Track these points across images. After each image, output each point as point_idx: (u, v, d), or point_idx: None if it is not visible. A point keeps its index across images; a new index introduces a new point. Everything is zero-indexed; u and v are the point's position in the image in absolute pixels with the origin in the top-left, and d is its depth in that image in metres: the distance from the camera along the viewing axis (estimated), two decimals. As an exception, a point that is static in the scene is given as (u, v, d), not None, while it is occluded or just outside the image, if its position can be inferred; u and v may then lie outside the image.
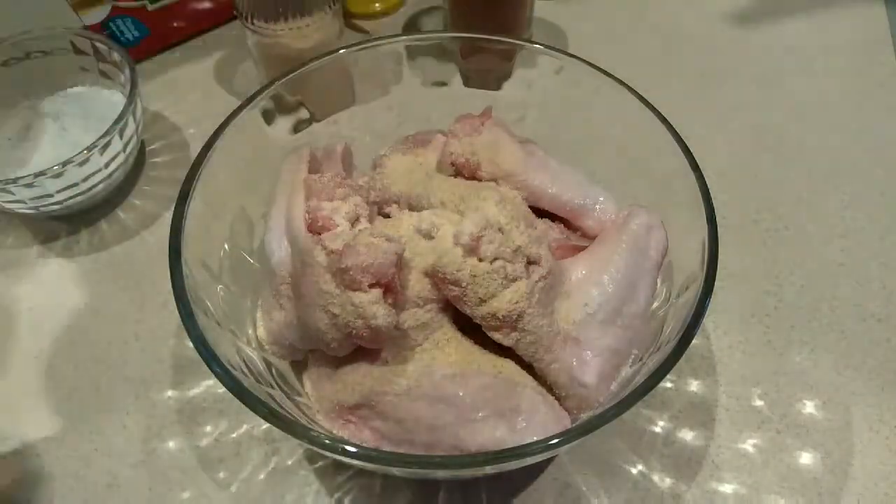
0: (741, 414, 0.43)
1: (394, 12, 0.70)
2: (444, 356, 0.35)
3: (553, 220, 0.42)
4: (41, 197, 0.47)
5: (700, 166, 0.37)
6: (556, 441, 0.29)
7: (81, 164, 0.47)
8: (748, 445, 0.41)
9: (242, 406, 0.30)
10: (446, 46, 0.48)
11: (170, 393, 0.44)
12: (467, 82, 0.48)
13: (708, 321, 0.47)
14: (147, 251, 0.51)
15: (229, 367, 0.31)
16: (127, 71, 0.51)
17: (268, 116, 0.43)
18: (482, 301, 0.34)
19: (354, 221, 0.38)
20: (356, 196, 0.40)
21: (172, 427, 0.42)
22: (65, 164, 0.46)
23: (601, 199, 0.41)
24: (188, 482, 0.40)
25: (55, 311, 0.48)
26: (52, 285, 0.49)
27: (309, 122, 0.46)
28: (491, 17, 0.58)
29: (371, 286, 0.33)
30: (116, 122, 0.48)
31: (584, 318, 0.36)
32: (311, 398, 0.37)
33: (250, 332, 0.39)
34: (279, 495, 0.40)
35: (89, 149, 0.46)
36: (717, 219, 0.35)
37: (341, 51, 0.45)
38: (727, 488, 0.40)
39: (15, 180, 0.45)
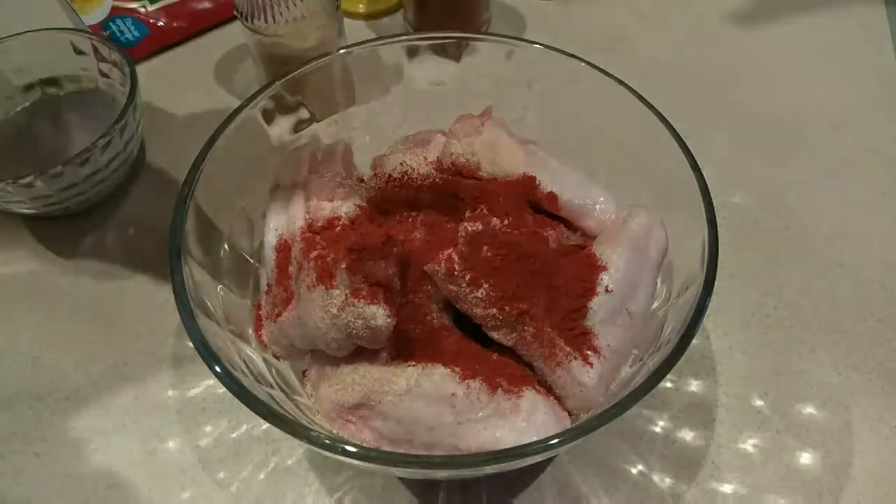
0: (741, 414, 0.43)
1: (394, 12, 0.70)
2: (444, 356, 0.35)
3: (553, 220, 0.42)
4: (41, 197, 0.47)
5: (700, 166, 0.37)
6: (556, 441, 0.29)
7: (81, 164, 0.47)
8: (748, 445, 0.41)
9: (242, 406, 0.30)
10: (446, 46, 0.48)
11: (170, 393, 0.44)
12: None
13: (708, 321, 0.47)
14: (147, 251, 0.51)
15: (229, 367, 0.31)
16: (127, 71, 0.51)
17: (268, 116, 0.43)
18: (482, 301, 0.34)
19: (354, 221, 0.38)
20: (356, 196, 0.40)
21: (172, 427, 0.42)
22: (65, 164, 0.46)
23: (601, 199, 0.41)
24: (188, 482, 0.40)
25: (55, 310, 0.48)
26: (52, 285, 0.49)
27: (309, 122, 0.46)
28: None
29: (371, 286, 0.33)
30: (116, 121, 0.48)
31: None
32: (311, 398, 0.37)
33: (250, 332, 0.39)
34: (279, 495, 0.40)
35: (89, 149, 0.46)
36: (717, 219, 0.35)
37: (341, 51, 0.45)
38: (727, 488, 0.40)
39: (15, 180, 0.45)
